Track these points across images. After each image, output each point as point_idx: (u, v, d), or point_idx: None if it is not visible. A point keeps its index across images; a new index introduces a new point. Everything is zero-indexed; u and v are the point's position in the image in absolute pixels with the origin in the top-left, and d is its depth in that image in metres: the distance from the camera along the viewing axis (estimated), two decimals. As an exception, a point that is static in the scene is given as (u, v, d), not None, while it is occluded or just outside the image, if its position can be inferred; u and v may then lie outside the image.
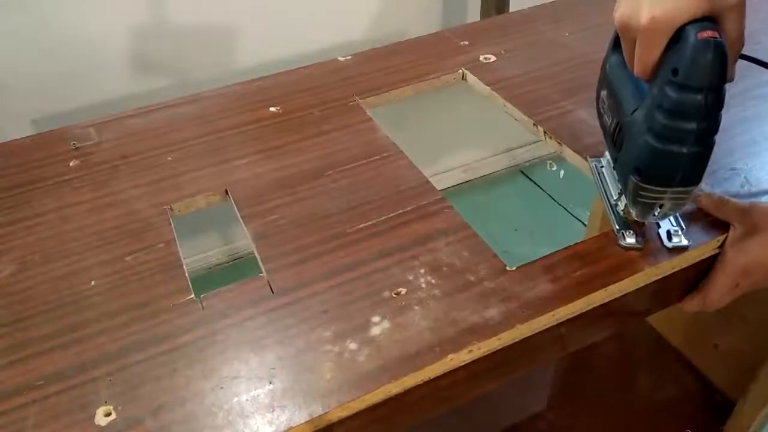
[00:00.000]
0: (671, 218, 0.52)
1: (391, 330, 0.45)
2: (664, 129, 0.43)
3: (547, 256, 0.50)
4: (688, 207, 0.53)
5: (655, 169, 0.45)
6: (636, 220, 0.50)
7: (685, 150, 0.43)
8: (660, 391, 1.07)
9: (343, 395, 0.41)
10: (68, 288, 0.49)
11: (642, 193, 0.46)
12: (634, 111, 0.46)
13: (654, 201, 0.46)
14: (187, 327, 0.46)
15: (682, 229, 0.51)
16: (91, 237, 0.54)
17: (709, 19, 0.41)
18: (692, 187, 0.45)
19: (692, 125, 0.42)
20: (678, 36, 0.41)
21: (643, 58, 0.43)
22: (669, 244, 0.50)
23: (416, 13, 1.34)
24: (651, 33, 0.42)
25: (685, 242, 0.50)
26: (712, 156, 0.44)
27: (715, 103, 0.42)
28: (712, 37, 0.40)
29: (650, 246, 0.50)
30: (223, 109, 0.69)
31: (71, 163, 0.62)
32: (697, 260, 0.51)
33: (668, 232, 0.51)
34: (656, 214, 0.47)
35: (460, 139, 1.63)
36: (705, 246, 0.51)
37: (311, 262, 0.50)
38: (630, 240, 0.50)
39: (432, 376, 0.43)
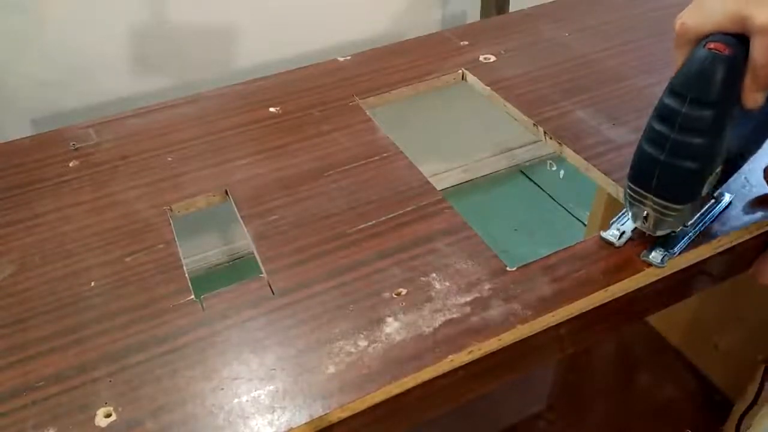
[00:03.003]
0: (680, 241, 0.50)
1: (391, 330, 0.45)
2: (649, 130, 0.43)
3: (547, 256, 0.50)
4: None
5: (637, 169, 0.45)
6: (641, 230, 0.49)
7: (661, 157, 0.42)
8: (660, 391, 1.07)
9: (343, 396, 0.41)
10: (68, 289, 0.49)
11: (628, 191, 0.46)
12: None
13: (638, 204, 0.46)
14: (187, 328, 0.46)
15: (670, 252, 0.49)
16: (91, 238, 0.54)
17: (738, 36, 0.40)
18: (675, 205, 0.44)
19: (671, 133, 0.41)
20: None
21: (675, 61, 0.43)
22: (643, 256, 0.49)
23: (416, 13, 1.34)
24: (678, 38, 0.42)
25: (660, 263, 0.48)
26: None
27: (702, 118, 0.40)
28: (717, 50, 0.39)
29: (646, 249, 0.50)
30: (223, 109, 0.69)
31: (71, 164, 0.62)
32: (696, 260, 0.51)
33: (658, 248, 0.49)
34: (645, 224, 0.47)
35: (460, 139, 1.63)
36: (705, 246, 0.50)
37: (311, 262, 0.50)
38: (612, 232, 0.50)
39: (432, 377, 0.43)
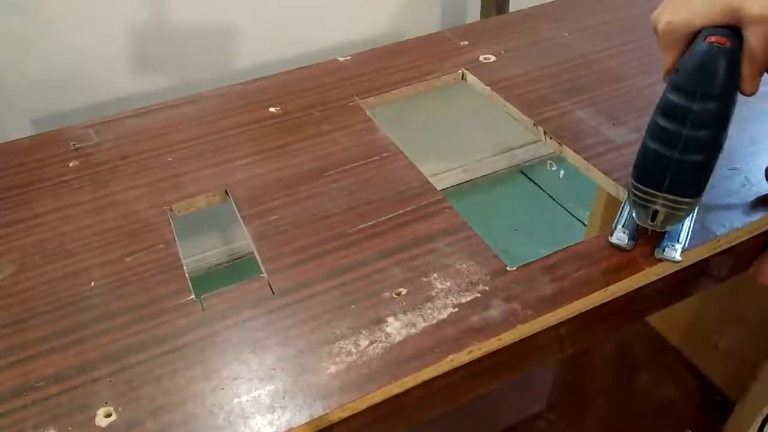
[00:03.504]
0: (680, 232, 0.50)
1: (391, 330, 0.45)
2: (656, 129, 0.43)
3: (547, 256, 0.50)
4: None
5: (645, 169, 0.45)
6: (642, 226, 0.49)
7: (673, 154, 0.42)
8: (660, 391, 1.07)
9: (343, 396, 0.41)
10: (68, 289, 0.49)
11: (634, 191, 0.46)
12: None
13: (646, 204, 0.46)
14: (187, 328, 0.46)
15: (683, 246, 0.49)
16: (91, 238, 0.54)
17: (732, 28, 0.40)
18: (688, 199, 0.44)
19: (681, 129, 0.42)
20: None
21: (663, 61, 0.43)
22: (657, 254, 0.49)
23: (416, 13, 1.34)
24: (666, 37, 0.42)
25: (678, 258, 0.48)
26: None
27: (711, 111, 0.41)
28: (719, 43, 0.40)
29: (647, 248, 0.50)
30: (223, 109, 0.69)
31: (71, 164, 0.62)
32: (696, 260, 0.51)
33: (667, 244, 0.49)
34: (653, 221, 0.47)
35: (460, 139, 1.63)
36: (705, 246, 0.51)
37: (311, 262, 0.50)
38: (620, 236, 0.50)
39: (432, 377, 0.43)
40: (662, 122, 0.42)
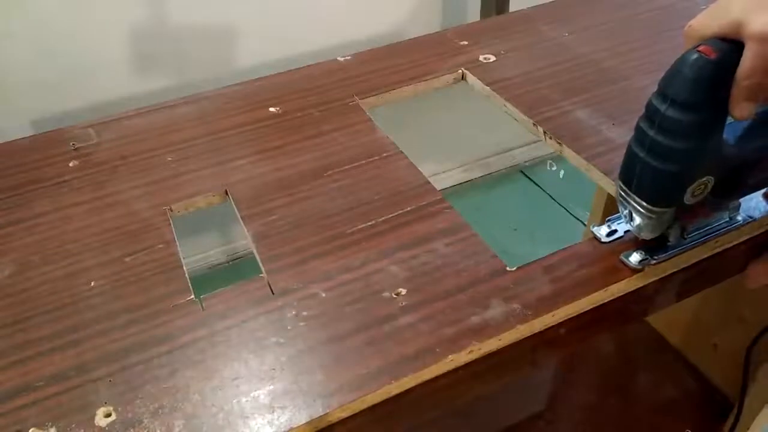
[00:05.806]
0: (671, 247, 0.49)
1: (391, 330, 0.45)
2: (636, 128, 0.43)
3: (547, 256, 0.50)
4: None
5: (624, 165, 0.45)
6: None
7: (640, 154, 0.43)
8: (660, 391, 1.07)
9: (343, 396, 0.41)
10: (68, 289, 0.49)
11: (618, 189, 0.46)
12: None
13: (623, 202, 0.46)
14: (187, 328, 0.46)
15: (652, 257, 0.48)
16: (91, 238, 0.54)
17: (734, 42, 0.39)
18: (652, 207, 0.44)
19: (650, 131, 0.42)
20: None
21: None
22: (621, 255, 0.49)
23: (416, 13, 1.34)
24: (684, 38, 0.42)
25: (635, 265, 0.48)
26: None
27: (681, 121, 0.40)
28: (705, 53, 0.39)
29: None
30: (223, 109, 0.69)
31: (71, 164, 0.62)
32: (696, 260, 0.51)
33: (643, 250, 0.49)
34: (632, 224, 0.47)
35: (460, 139, 1.63)
36: (704, 247, 0.50)
37: (311, 262, 0.50)
38: (602, 229, 0.50)
39: (432, 377, 0.43)
40: (641, 123, 0.43)
